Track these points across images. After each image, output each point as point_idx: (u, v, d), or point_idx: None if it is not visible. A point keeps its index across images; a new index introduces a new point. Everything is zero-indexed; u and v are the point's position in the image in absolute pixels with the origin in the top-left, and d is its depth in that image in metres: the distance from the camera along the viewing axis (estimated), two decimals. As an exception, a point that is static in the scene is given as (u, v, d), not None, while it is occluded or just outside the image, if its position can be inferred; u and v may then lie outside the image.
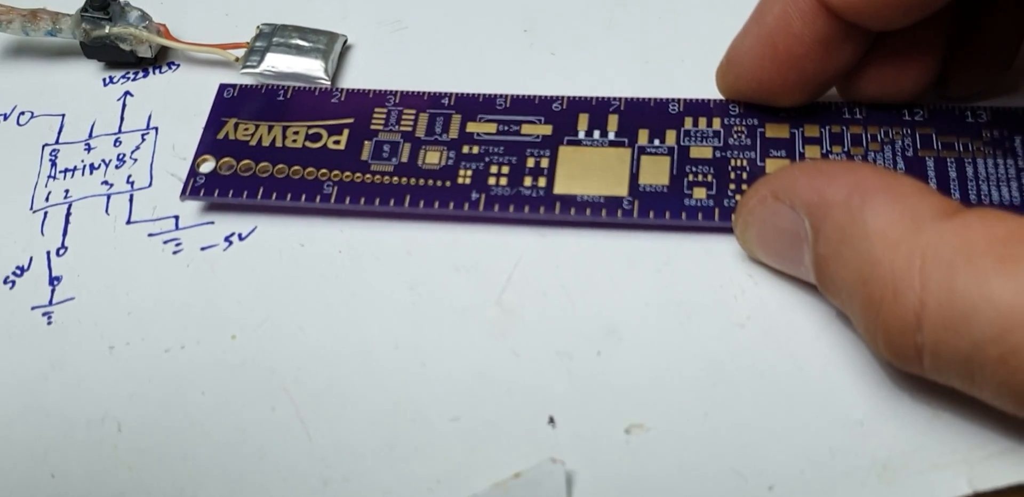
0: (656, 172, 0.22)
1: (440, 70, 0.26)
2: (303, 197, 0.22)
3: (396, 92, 0.24)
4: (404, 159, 0.23)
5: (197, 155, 0.23)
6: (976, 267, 0.15)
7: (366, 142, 0.23)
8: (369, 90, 0.24)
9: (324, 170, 0.23)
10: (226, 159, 0.23)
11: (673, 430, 0.19)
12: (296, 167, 0.23)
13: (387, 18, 0.27)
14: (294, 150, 0.23)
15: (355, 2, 0.28)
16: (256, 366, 0.21)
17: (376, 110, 0.24)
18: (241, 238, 0.23)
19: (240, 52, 0.26)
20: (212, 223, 0.23)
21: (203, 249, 0.23)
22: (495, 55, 0.26)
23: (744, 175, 0.21)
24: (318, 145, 0.23)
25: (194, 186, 0.23)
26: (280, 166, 0.23)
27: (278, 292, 0.22)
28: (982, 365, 0.15)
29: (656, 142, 0.22)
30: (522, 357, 0.21)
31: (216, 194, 0.23)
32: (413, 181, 0.22)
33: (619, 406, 0.20)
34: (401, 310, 0.22)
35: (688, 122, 0.22)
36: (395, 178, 0.22)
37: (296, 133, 0.23)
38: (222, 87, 0.25)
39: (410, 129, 0.23)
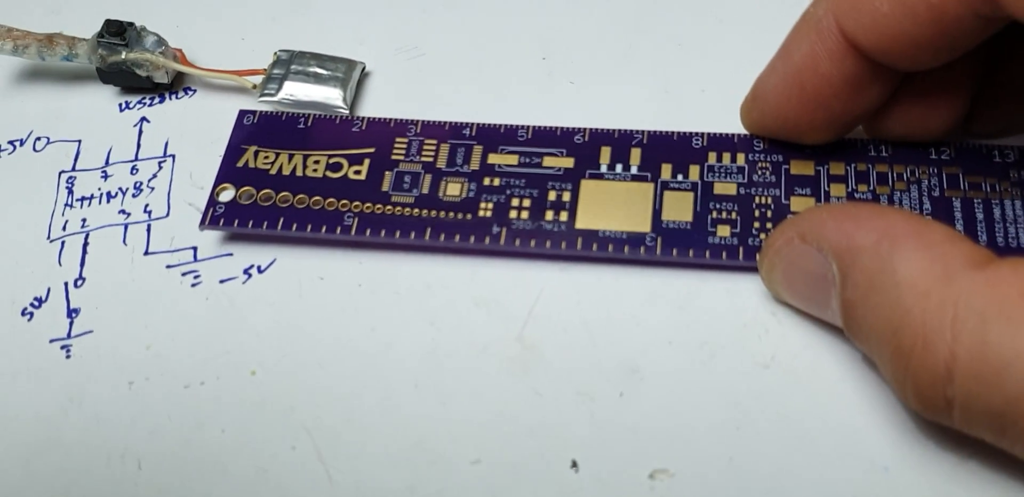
0: (679, 208, 0.21)
1: (458, 98, 0.26)
2: (323, 228, 0.22)
3: (417, 121, 0.24)
4: (425, 190, 0.22)
5: (217, 183, 0.23)
6: (1010, 320, 0.15)
7: (387, 173, 0.23)
8: (390, 119, 0.24)
9: (345, 201, 0.22)
10: (246, 188, 0.23)
11: (697, 475, 0.19)
12: (317, 197, 0.23)
13: (405, 45, 0.27)
14: (315, 180, 0.23)
15: (372, 28, 0.28)
16: (276, 403, 0.21)
17: (397, 140, 0.24)
18: (260, 271, 0.23)
19: (257, 79, 0.26)
20: (231, 255, 0.23)
21: (222, 282, 0.23)
22: (513, 83, 0.26)
23: (769, 213, 0.21)
24: (339, 175, 0.23)
25: (214, 215, 0.23)
26: (300, 196, 0.23)
27: (297, 326, 0.22)
28: (1015, 421, 0.15)
29: (679, 177, 0.22)
30: (544, 397, 0.20)
31: (236, 224, 0.23)
32: (434, 213, 0.22)
33: (642, 450, 0.19)
34: (421, 346, 0.21)
35: (712, 157, 0.22)
36: (416, 210, 0.22)
37: (317, 162, 0.23)
38: (242, 114, 0.25)
39: (431, 160, 0.23)
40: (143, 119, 0.27)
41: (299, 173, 0.23)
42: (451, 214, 0.22)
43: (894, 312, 0.16)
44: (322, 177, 0.23)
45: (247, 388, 0.21)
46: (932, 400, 0.16)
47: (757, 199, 0.21)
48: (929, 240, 0.17)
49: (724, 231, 0.21)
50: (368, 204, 0.22)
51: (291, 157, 0.23)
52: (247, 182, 0.23)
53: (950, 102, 0.20)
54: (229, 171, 0.23)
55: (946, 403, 0.16)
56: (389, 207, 0.22)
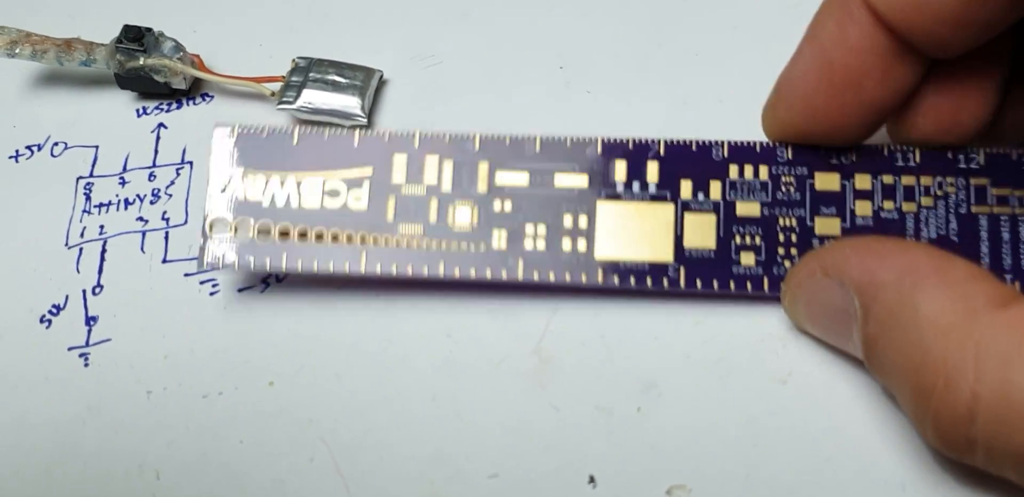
0: (702, 234, 0.21)
1: (475, 107, 0.26)
2: (331, 265, 0.21)
3: (415, 134, 0.22)
4: (433, 219, 0.22)
5: (208, 216, 0.22)
6: None
7: (390, 198, 0.22)
8: (386, 133, 0.22)
9: (350, 232, 0.21)
10: (242, 218, 0.22)
11: (714, 492, 0.19)
12: (320, 228, 0.22)
13: (422, 53, 0.27)
14: (313, 211, 0.22)
15: (389, 36, 0.27)
16: (293, 415, 0.21)
17: (396, 156, 0.22)
18: (279, 280, 0.23)
19: (275, 86, 0.26)
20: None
21: (240, 290, 0.23)
22: (531, 92, 0.26)
23: (793, 237, 0.21)
24: (339, 204, 0.22)
25: (212, 257, 0.21)
26: (301, 226, 0.21)
27: (315, 337, 0.22)
28: None
29: (700, 197, 0.21)
30: (561, 411, 0.21)
31: (236, 266, 0.21)
32: (444, 245, 0.21)
33: (660, 466, 0.20)
34: (438, 358, 0.22)
35: (733, 171, 0.22)
36: (425, 242, 0.21)
37: (313, 186, 0.22)
38: (219, 132, 0.22)
39: (435, 183, 0.22)
40: (160, 125, 0.27)
41: (294, 204, 0.22)
42: (463, 245, 0.21)
43: (915, 349, 0.16)
44: (320, 208, 0.22)
45: (265, 399, 0.21)
46: (954, 440, 0.16)
47: (781, 220, 0.21)
48: (952, 278, 0.17)
49: (748, 259, 0.21)
50: (375, 235, 0.21)
51: (283, 182, 0.22)
52: (240, 212, 0.22)
53: (979, 95, 0.20)
54: (218, 200, 0.22)
55: (968, 444, 0.16)
56: (397, 239, 0.21)
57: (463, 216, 0.22)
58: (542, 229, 0.21)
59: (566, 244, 0.21)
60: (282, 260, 0.21)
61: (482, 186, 0.22)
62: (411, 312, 0.22)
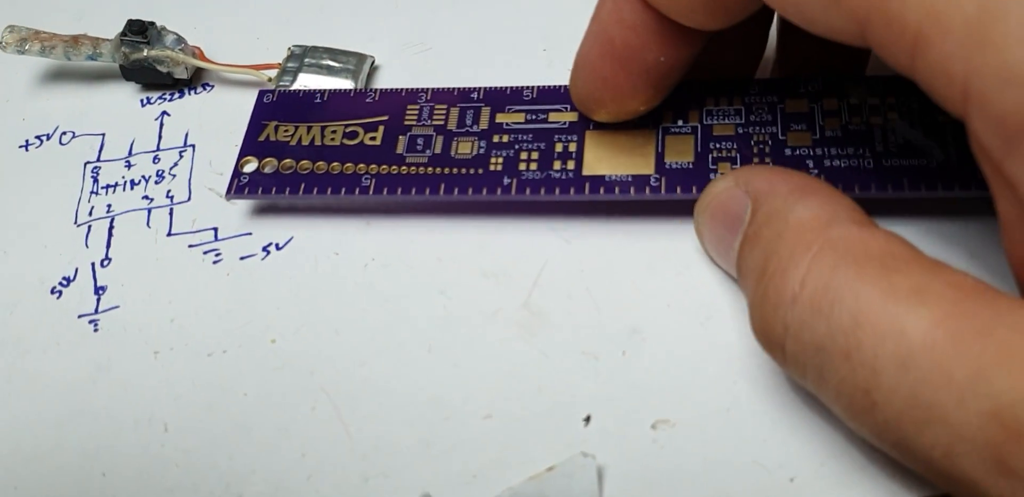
0: (681, 150, 0.22)
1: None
2: (343, 191, 0.23)
3: (428, 89, 0.25)
4: (437, 151, 0.24)
5: (240, 156, 0.24)
6: (861, 267, 0.16)
7: (400, 137, 0.24)
8: (402, 89, 0.25)
9: (362, 165, 0.24)
10: (268, 159, 0.24)
11: (697, 425, 0.20)
12: (335, 163, 0.24)
13: (412, 40, 0.29)
14: (332, 147, 0.24)
15: (381, 25, 0.29)
16: (295, 368, 0.22)
17: (409, 107, 0.25)
18: (278, 248, 0.24)
19: (272, 73, 0.27)
20: (250, 234, 0.25)
21: (242, 259, 0.24)
22: (516, 73, 0.27)
23: (767, 148, 0.22)
24: (355, 142, 0.24)
25: (239, 185, 0.24)
26: (320, 163, 0.24)
27: (314, 298, 0.23)
28: (831, 356, 0.16)
29: (680, 123, 0.23)
30: (550, 357, 0.21)
31: (260, 192, 0.24)
32: (447, 170, 0.23)
33: (645, 403, 0.20)
34: (433, 314, 0.23)
35: (710, 102, 0.23)
36: (430, 168, 0.23)
37: (334, 132, 0.24)
38: (262, 93, 0.26)
39: (442, 123, 0.24)
40: (164, 113, 0.28)
41: (317, 142, 0.24)
42: (463, 170, 0.23)
43: (771, 244, 0.18)
44: (339, 145, 0.24)
45: (267, 355, 0.22)
46: (772, 325, 0.17)
47: (755, 137, 0.22)
48: (834, 199, 0.18)
49: (725, 168, 0.22)
50: (384, 166, 0.23)
51: (309, 129, 0.25)
52: (269, 154, 0.24)
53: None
54: (251, 145, 0.25)
55: (783, 329, 0.17)
56: (404, 168, 0.23)
57: (465, 147, 0.23)
58: (535, 154, 0.23)
59: (557, 165, 0.23)
60: (300, 189, 0.23)
61: (483, 124, 0.24)
62: (406, 273, 0.23)
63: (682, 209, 0.22)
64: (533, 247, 0.23)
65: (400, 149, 0.24)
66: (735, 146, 0.22)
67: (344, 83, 0.27)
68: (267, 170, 0.24)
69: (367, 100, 0.25)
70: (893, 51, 0.16)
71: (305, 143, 0.24)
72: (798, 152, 0.22)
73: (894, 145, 0.21)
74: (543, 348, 0.22)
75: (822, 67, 0.23)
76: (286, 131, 0.25)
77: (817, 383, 0.17)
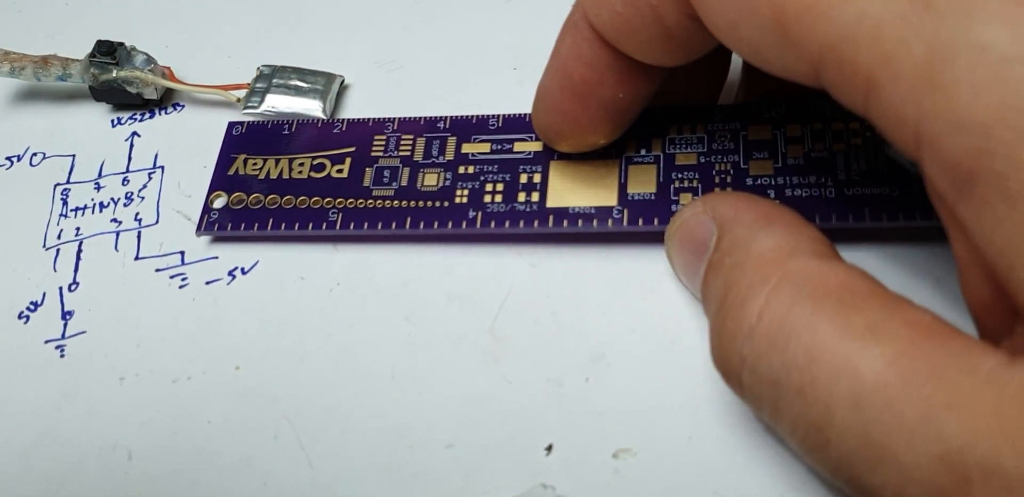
0: (644, 180, 0.22)
1: (434, 106, 0.27)
2: (310, 226, 0.23)
3: (394, 119, 0.25)
4: (404, 183, 0.24)
5: (210, 192, 0.25)
6: (817, 302, 0.16)
7: (367, 169, 0.24)
8: (368, 119, 0.25)
9: (329, 199, 0.24)
10: (237, 194, 0.24)
11: (658, 453, 0.20)
12: (303, 197, 0.24)
13: (383, 58, 0.28)
14: (300, 181, 0.24)
15: (353, 44, 0.29)
16: (259, 395, 0.22)
17: (376, 137, 0.25)
18: (244, 272, 0.24)
19: (241, 93, 0.27)
20: (216, 258, 0.25)
21: (208, 283, 0.24)
22: (486, 92, 0.27)
23: (728, 178, 0.22)
24: (322, 175, 0.24)
25: (208, 221, 0.24)
26: (288, 197, 0.24)
27: (279, 324, 0.23)
28: (786, 391, 0.16)
29: (643, 152, 0.23)
30: (514, 384, 0.21)
31: (229, 228, 0.24)
32: (413, 203, 0.23)
33: (607, 431, 0.20)
34: (397, 340, 0.22)
35: (672, 130, 0.23)
36: (396, 201, 0.23)
37: (301, 164, 0.25)
38: (231, 125, 0.26)
39: (408, 153, 0.24)
40: (134, 134, 0.28)
41: (285, 176, 0.25)
42: (429, 203, 0.23)
43: (732, 274, 0.18)
44: (307, 178, 0.24)
45: (232, 382, 0.22)
46: (729, 355, 0.17)
47: (717, 166, 0.22)
48: (799, 229, 0.18)
49: (687, 199, 0.22)
50: (351, 200, 0.24)
51: (277, 162, 0.25)
52: (238, 188, 0.25)
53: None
54: (221, 179, 0.25)
55: (740, 360, 0.17)
56: (371, 201, 0.23)
57: (431, 179, 0.24)
58: (500, 186, 0.23)
59: (521, 197, 0.23)
60: (268, 224, 0.24)
61: (449, 155, 0.24)
62: (372, 298, 0.23)
63: (648, 236, 0.22)
64: (499, 272, 0.23)
65: (367, 182, 0.24)
66: (697, 176, 0.22)
67: (312, 104, 0.27)
68: (235, 205, 0.24)
69: (334, 131, 0.25)
70: (847, 93, 0.15)
71: (273, 176, 0.25)
72: (760, 182, 0.22)
73: (856, 173, 0.21)
74: (507, 375, 0.22)
75: (787, 92, 0.23)
76: (255, 164, 0.25)
77: (773, 416, 0.17)
